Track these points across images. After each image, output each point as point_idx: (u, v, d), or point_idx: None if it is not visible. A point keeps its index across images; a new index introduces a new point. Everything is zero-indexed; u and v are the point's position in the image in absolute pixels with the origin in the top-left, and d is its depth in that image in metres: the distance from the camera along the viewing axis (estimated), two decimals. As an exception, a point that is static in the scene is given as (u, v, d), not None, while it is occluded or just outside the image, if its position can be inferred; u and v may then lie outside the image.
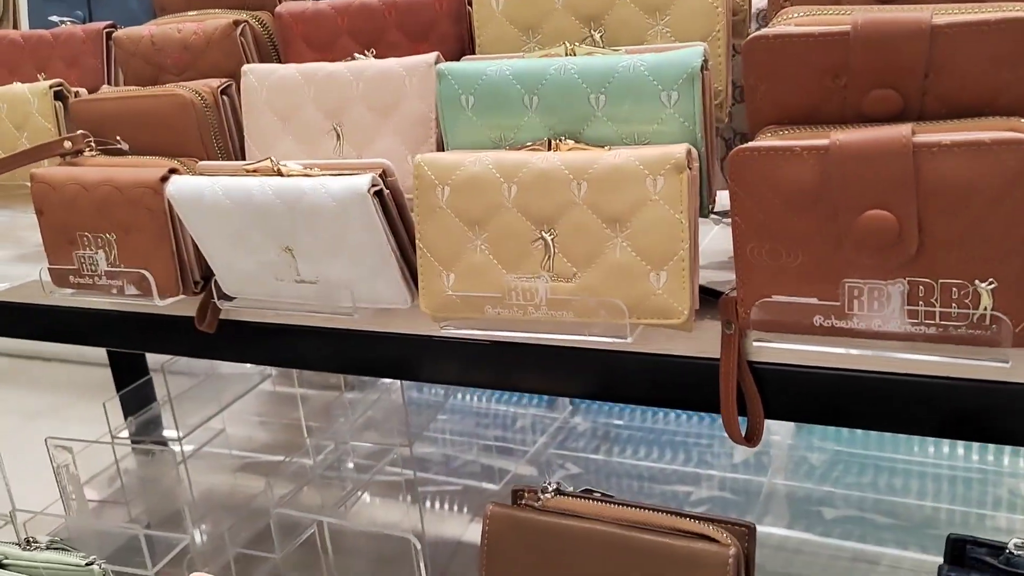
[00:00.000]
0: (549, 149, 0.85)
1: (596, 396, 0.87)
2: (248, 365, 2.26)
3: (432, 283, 0.87)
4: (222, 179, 0.95)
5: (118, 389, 2.00)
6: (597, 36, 0.92)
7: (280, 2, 1.18)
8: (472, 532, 1.75)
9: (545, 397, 2.15)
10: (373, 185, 0.87)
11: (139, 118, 1.10)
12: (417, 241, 0.87)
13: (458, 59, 0.96)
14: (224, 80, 1.10)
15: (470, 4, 1.00)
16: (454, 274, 0.86)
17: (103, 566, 0.90)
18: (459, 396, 2.19)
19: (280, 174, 0.94)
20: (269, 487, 1.34)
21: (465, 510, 1.81)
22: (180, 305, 1.08)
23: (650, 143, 0.82)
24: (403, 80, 0.97)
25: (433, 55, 0.96)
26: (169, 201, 1.02)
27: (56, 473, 1.26)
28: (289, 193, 0.90)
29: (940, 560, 0.86)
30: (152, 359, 2.10)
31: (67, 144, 1.11)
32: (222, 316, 1.08)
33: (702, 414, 2.05)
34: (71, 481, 1.25)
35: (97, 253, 1.08)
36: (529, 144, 0.86)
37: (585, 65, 0.83)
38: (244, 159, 1.12)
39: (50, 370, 2.93)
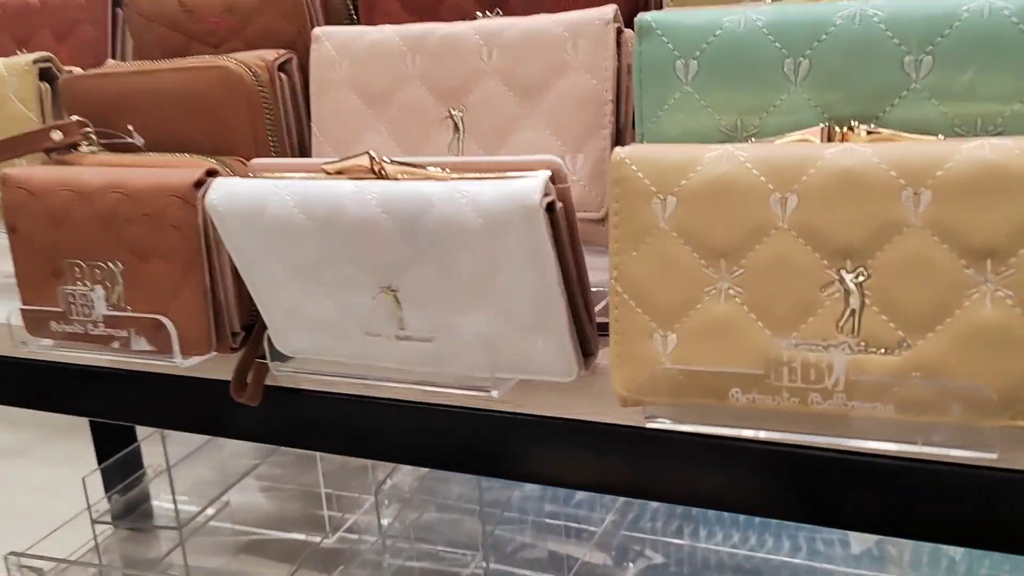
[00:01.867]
0: (830, 139, 0.54)
1: (925, 535, 0.55)
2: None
3: (636, 347, 0.55)
4: (294, 183, 0.63)
5: (99, 450, 1.65)
6: (867, -19, 0.61)
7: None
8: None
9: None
10: (545, 193, 0.55)
11: (160, 101, 0.78)
12: (612, 282, 0.56)
13: (630, 19, 0.66)
14: (282, 52, 0.78)
15: (651, -59, 0.71)
16: (675, 334, 0.54)
17: None
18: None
19: (383, 176, 0.62)
20: None
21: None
22: (208, 364, 0.76)
23: (1004, 132, 0.52)
24: (563, 44, 0.66)
25: (610, 8, 0.65)
26: (208, 215, 0.70)
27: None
28: (406, 204, 0.58)
29: None
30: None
31: (56, 135, 0.79)
32: (271, 382, 0.76)
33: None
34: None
35: (94, 289, 0.75)
36: (794, 135, 0.55)
37: (897, 9, 0.53)
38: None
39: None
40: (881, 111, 0.54)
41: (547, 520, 1.72)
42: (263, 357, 0.75)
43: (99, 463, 1.54)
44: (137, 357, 0.75)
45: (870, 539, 1.61)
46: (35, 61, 0.89)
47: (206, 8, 0.85)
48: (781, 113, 0.56)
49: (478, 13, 0.73)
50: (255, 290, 0.69)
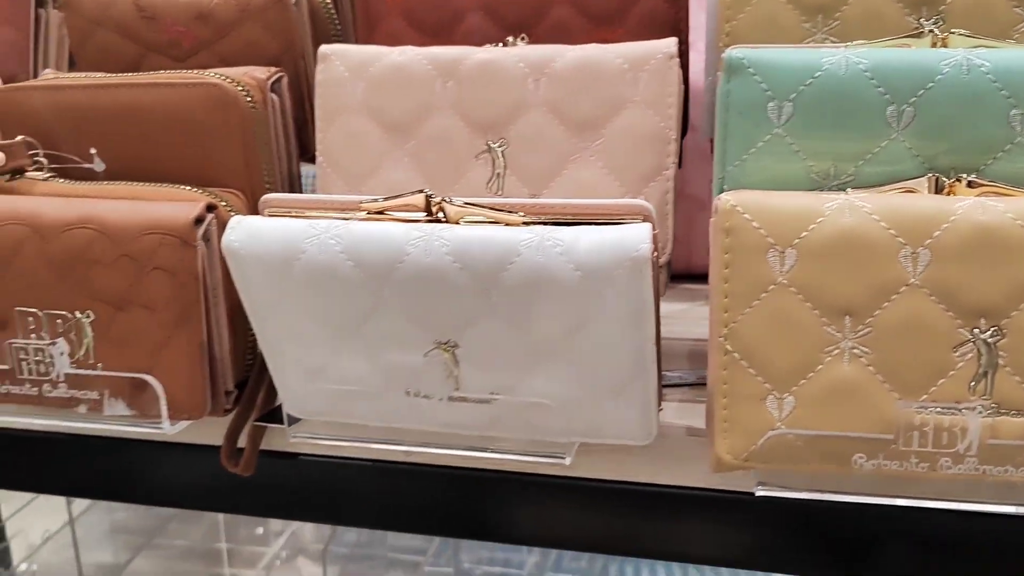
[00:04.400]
0: (937, 191, 0.53)
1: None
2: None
3: (748, 412, 0.51)
4: (336, 224, 0.55)
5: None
6: (929, 26, 0.60)
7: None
8: None
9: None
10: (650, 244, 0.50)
11: (129, 122, 0.66)
12: (721, 341, 0.51)
13: (674, 55, 0.62)
14: (274, 70, 0.69)
15: (696, -26, 0.67)
16: (794, 397, 0.50)
17: None
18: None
19: (443, 219, 0.55)
20: None
21: None
22: (190, 428, 0.65)
23: (1106, 189, 0.52)
24: (622, 77, 0.61)
25: (672, 41, 0.61)
26: (206, 259, 0.60)
27: None
28: (486, 254, 0.51)
29: None
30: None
31: (-4, 157, 0.66)
32: (273, 447, 0.66)
33: None
34: None
35: (54, 343, 0.62)
36: (895, 185, 0.53)
37: (1005, 61, 0.52)
38: (308, 191, 0.71)
39: None
40: (983, 163, 0.53)
41: (471, 565, 1.64)
42: (259, 419, 0.65)
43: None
44: (106, 422, 0.63)
45: None
46: (-54, 66, 0.75)
47: (170, 15, 0.74)
48: (879, 162, 0.54)
49: (509, 39, 0.67)
50: (268, 345, 0.60)
